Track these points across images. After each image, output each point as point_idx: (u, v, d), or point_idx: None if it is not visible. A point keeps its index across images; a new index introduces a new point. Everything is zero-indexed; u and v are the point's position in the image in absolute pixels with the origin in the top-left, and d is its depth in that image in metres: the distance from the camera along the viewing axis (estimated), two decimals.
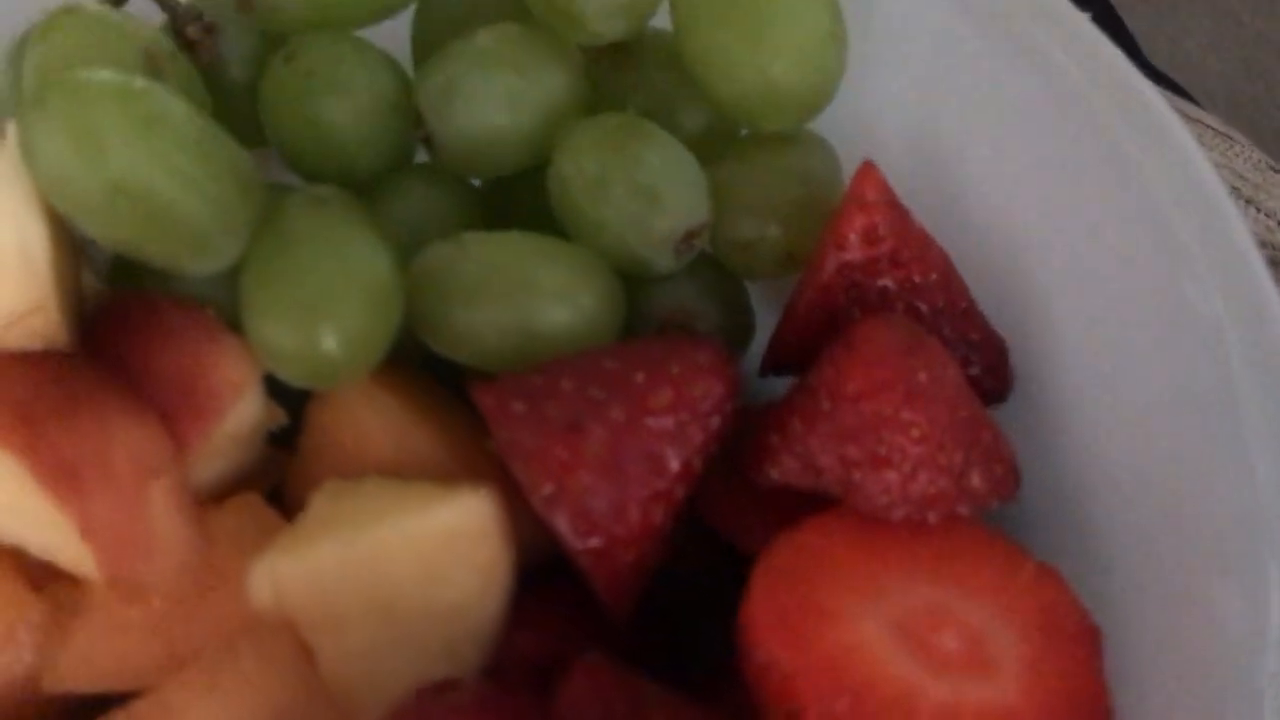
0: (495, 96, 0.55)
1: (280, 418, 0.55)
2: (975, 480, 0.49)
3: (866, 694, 0.43)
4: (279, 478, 0.57)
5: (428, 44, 0.60)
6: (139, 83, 0.49)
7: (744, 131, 0.60)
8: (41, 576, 0.53)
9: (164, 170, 0.48)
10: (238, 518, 0.53)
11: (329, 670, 0.49)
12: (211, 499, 0.54)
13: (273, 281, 0.51)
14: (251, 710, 0.49)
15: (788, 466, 0.49)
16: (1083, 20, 0.54)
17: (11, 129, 0.50)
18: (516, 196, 0.60)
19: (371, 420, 0.54)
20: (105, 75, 0.48)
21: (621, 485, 0.47)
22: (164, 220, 0.49)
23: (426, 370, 0.58)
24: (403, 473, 0.53)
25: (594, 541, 0.47)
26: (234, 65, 0.59)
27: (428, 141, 0.56)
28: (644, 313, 0.56)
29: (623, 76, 0.59)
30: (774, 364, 0.56)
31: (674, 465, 0.48)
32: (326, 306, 0.50)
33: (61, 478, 0.47)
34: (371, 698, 0.49)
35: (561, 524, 0.46)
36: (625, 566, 0.48)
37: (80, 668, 0.50)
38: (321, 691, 0.49)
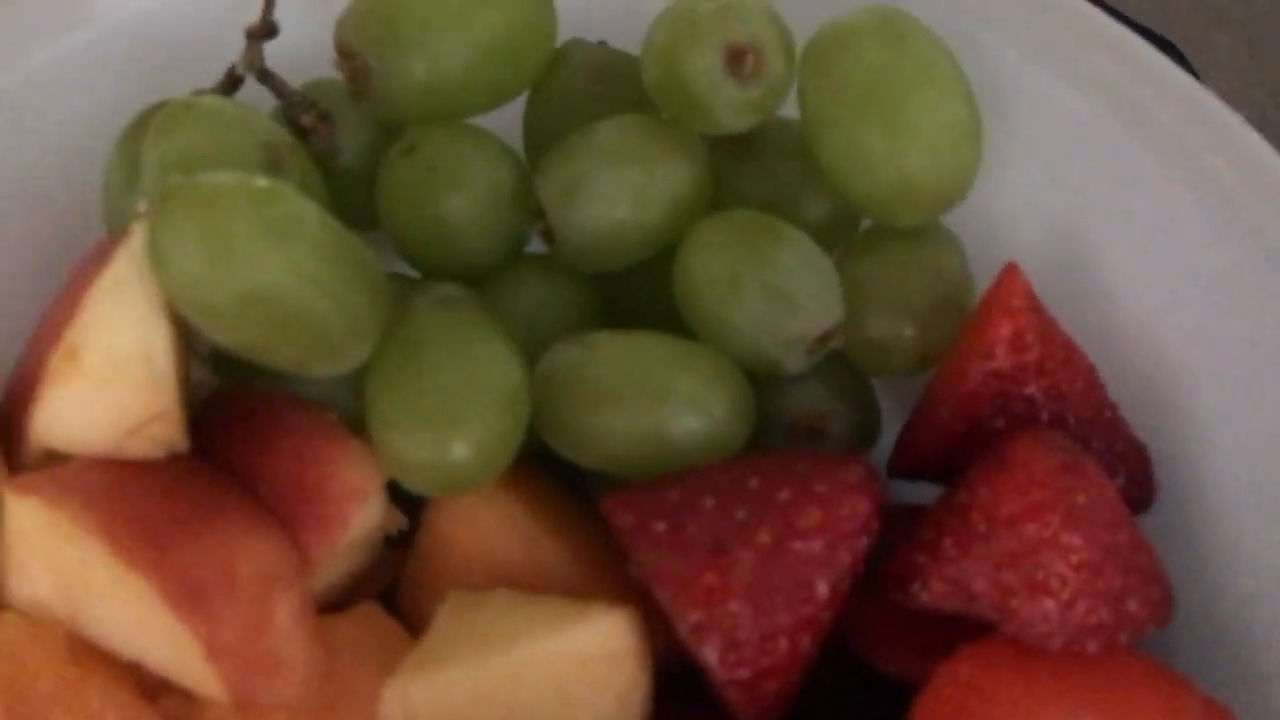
0: (620, 191, 0.53)
1: (400, 522, 0.53)
2: (1133, 606, 0.46)
3: None
4: (391, 580, 0.55)
5: (542, 130, 0.59)
6: (269, 185, 0.48)
7: (865, 221, 0.58)
8: (155, 688, 0.51)
9: (296, 277, 0.47)
10: (359, 629, 0.51)
11: None
12: (327, 607, 0.52)
13: (401, 389, 0.49)
14: None
15: (938, 590, 0.47)
16: (1234, 117, 0.52)
17: (135, 231, 0.49)
18: (634, 289, 0.58)
19: (497, 527, 0.52)
20: (235, 179, 0.47)
21: (770, 613, 0.45)
22: (295, 326, 0.47)
23: (542, 464, 0.56)
24: (529, 583, 0.51)
25: (742, 673, 0.45)
26: (347, 153, 0.57)
27: (547, 235, 0.55)
28: (771, 413, 0.54)
29: (744, 167, 0.57)
30: (905, 469, 0.54)
31: (823, 591, 0.46)
32: (456, 415, 0.49)
33: (187, 597, 0.46)
34: None
35: (710, 656, 0.45)
36: (771, 696, 0.46)
37: None
38: None
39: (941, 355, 0.54)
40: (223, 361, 0.55)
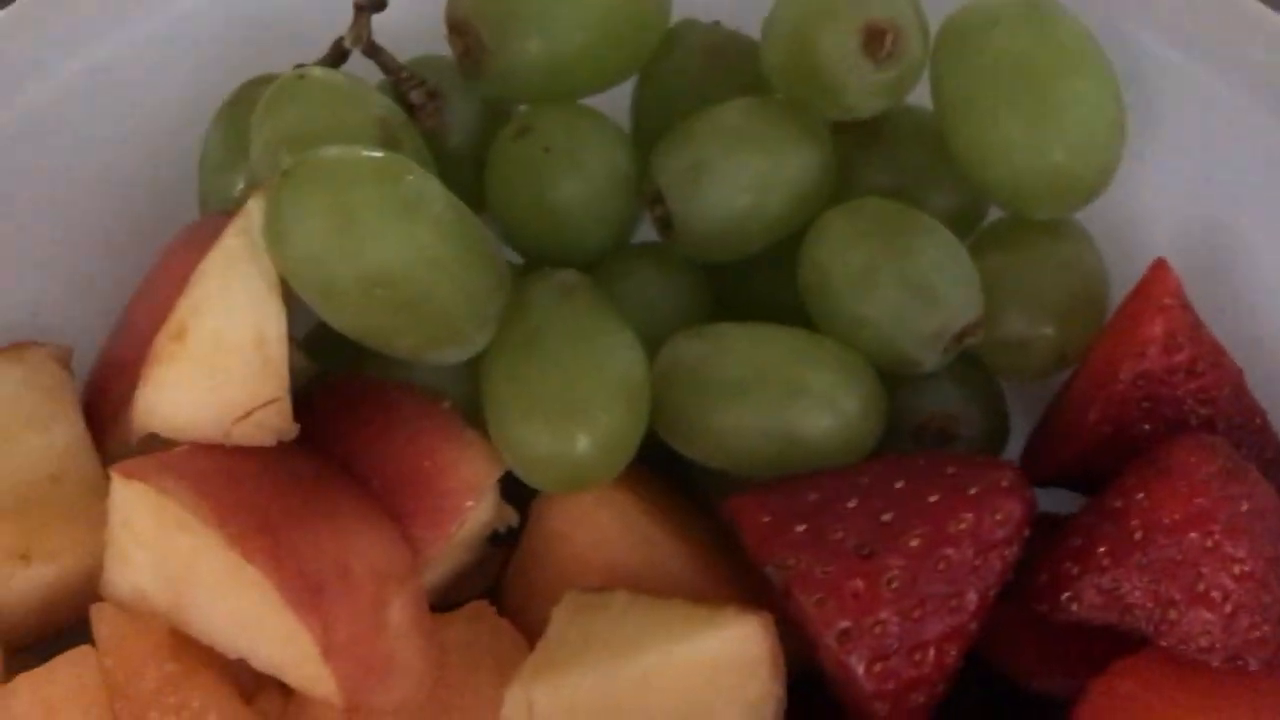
0: (744, 177, 0.51)
1: (512, 518, 0.51)
2: None
3: None
4: (494, 578, 0.53)
5: (652, 113, 0.57)
6: (395, 160, 0.45)
7: (990, 216, 0.56)
8: (252, 688, 0.49)
9: (423, 259, 0.44)
10: (470, 629, 0.49)
11: None
12: (433, 606, 0.50)
13: (523, 379, 0.47)
14: None
15: (1089, 601, 0.44)
16: None
17: (252, 209, 0.46)
18: (748, 281, 0.56)
19: (614, 528, 0.49)
20: (360, 154, 0.45)
21: (920, 622, 0.43)
22: (418, 311, 0.45)
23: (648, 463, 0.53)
24: (647, 585, 0.49)
25: (889, 685, 0.43)
26: (454, 133, 0.55)
27: (664, 222, 0.52)
28: (900, 414, 0.51)
29: (869, 154, 0.55)
30: (1040, 475, 0.52)
31: (973, 600, 0.44)
32: (581, 408, 0.46)
33: (304, 592, 0.43)
34: None
35: (858, 665, 0.42)
36: (915, 710, 0.43)
37: None
38: None
39: (1078, 356, 0.52)
40: (320, 347, 0.52)
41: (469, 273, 0.46)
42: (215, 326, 0.46)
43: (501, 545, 0.53)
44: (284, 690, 0.49)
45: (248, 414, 0.46)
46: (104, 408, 0.53)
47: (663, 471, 0.53)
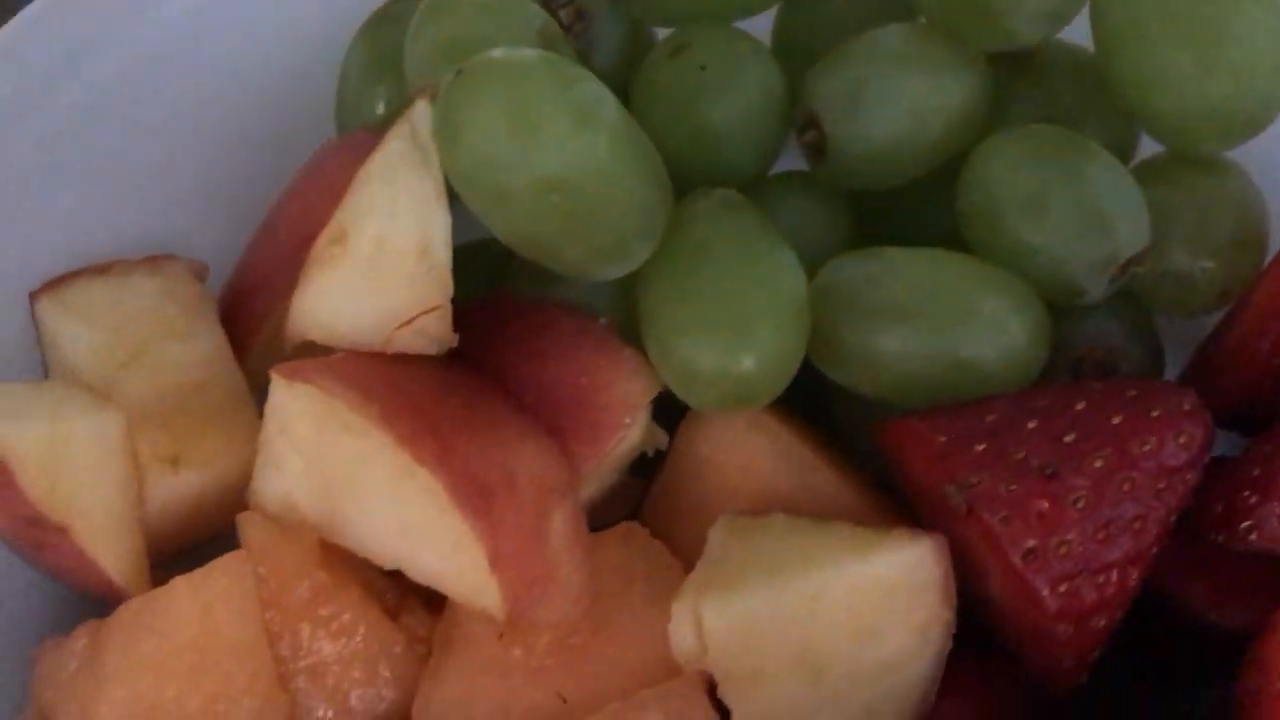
0: (903, 102, 0.50)
1: (662, 441, 0.50)
2: None
3: None
4: (633, 507, 0.52)
5: (795, 38, 0.56)
6: (572, 65, 0.44)
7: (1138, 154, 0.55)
8: (395, 607, 0.48)
9: (598, 165, 0.43)
10: (623, 550, 0.48)
11: None
12: None
13: (688, 294, 0.46)
14: None
15: (1270, 530, 0.43)
16: None
17: (416, 114, 0.45)
18: (891, 212, 0.55)
19: (767, 453, 0.48)
20: (539, 56, 0.44)
21: (1104, 544, 0.42)
22: (588, 220, 0.44)
23: None
24: (801, 511, 0.48)
25: (1073, 605, 0.42)
26: (600, 53, 0.54)
27: (816, 147, 0.51)
28: (1058, 346, 0.50)
29: (1023, 85, 0.54)
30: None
31: (1155, 523, 0.42)
32: (747, 324, 0.45)
33: (474, 497, 0.42)
34: None
35: (1043, 585, 0.41)
36: (1096, 634, 0.42)
37: (457, 713, 0.45)
38: None
39: (1239, 293, 0.51)
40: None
41: (639, 182, 0.45)
42: (378, 231, 0.45)
43: (639, 476, 0.52)
44: (427, 609, 0.48)
45: (410, 320, 0.45)
46: (243, 322, 0.52)
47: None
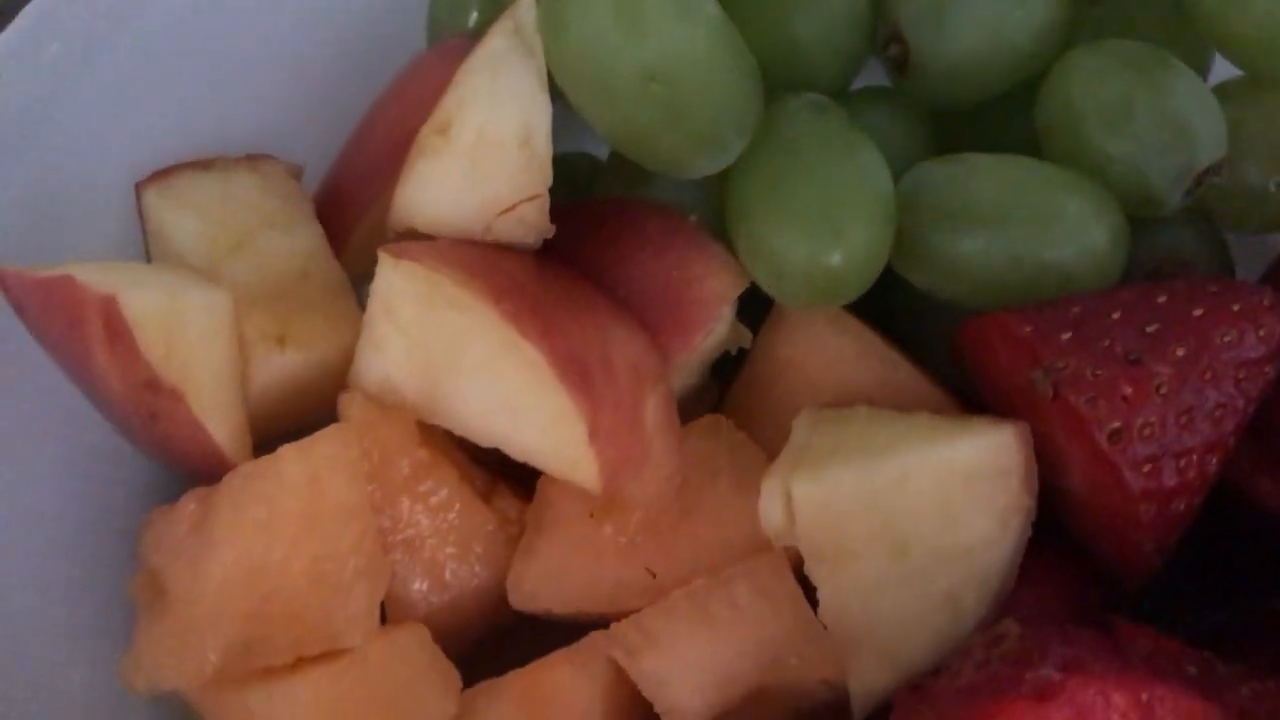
0: (988, 16, 0.51)
1: (746, 339, 0.51)
2: None
3: None
4: (713, 408, 0.53)
5: None
6: None
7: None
8: (486, 487, 0.50)
9: (699, 56, 0.45)
10: (709, 440, 0.49)
11: (828, 604, 0.45)
12: None
13: (780, 189, 0.47)
14: (741, 641, 0.45)
15: None
16: None
17: (520, 8, 0.47)
18: (970, 128, 0.56)
19: (846, 347, 0.50)
20: None
21: (1186, 429, 0.43)
22: (687, 111, 0.46)
23: None
24: (883, 405, 0.49)
25: (1155, 486, 0.43)
26: None
27: (898, 62, 0.52)
28: (1133, 258, 0.51)
29: (1099, 7, 0.55)
30: None
31: (1234, 412, 0.44)
32: (838, 219, 0.47)
33: (575, 372, 0.44)
34: (866, 637, 0.45)
35: (1127, 465, 0.42)
36: (1177, 517, 0.44)
37: (549, 587, 0.47)
38: (813, 628, 0.45)
39: None
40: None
41: (736, 75, 0.46)
42: (481, 121, 0.47)
43: (719, 379, 0.54)
44: (517, 493, 0.50)
45: (511, 208, 0.46)
46: (338, 220, 0.53)
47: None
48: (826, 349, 0.50)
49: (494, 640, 0.50)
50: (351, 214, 0.53)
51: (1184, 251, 0.52)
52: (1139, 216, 0.51)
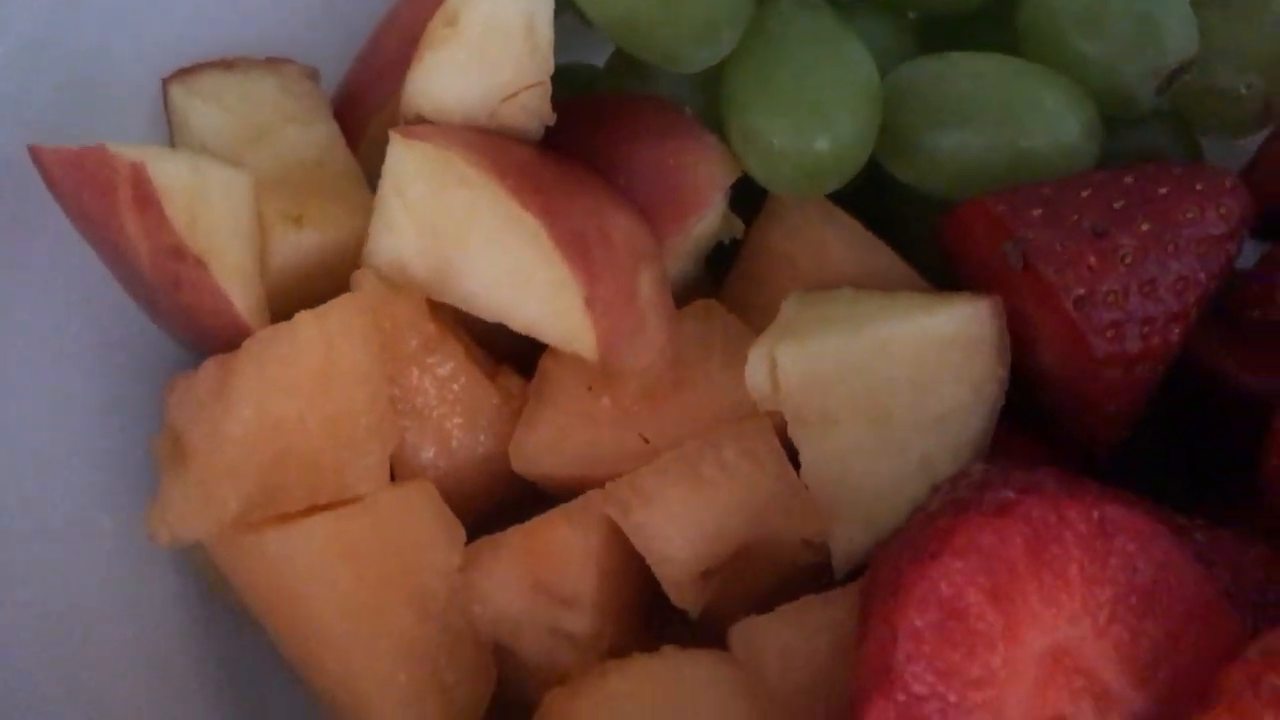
0: None
1: (738, 229, 0.54)
2: None
3: None
4: (707, 297, 0.56)
5: None
6: None
7: None
8: (491, 367, 0.52)
9: None
10: (703, 322, 0.52)
11: (810, 467, 0.48)
12: None
13: (769, 78, 0.50)
14: (728, 499, 0.48)
15: None
16: None
17: None
18: (953, 34, 0.58)
19: (833, 236, 0.52)
20: None
21: (1149, 298, 0.46)
22: (682, 2, 0.48)
23: None
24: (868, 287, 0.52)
25: (1119, 350, 0.45)
26: None
27: None
28: (1109, 158, 0.54)
29: None
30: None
31: (1196, 285, 0.46)
32: (823, 106, 0.49)
33: (573, 244, 0.47)
34: (846, 500, 0.48)
35: (1090, 329, 0.45)
36: (1141, 383, 0.46)
37: (550, 452, 0.50)
38: (796, 489, 0.48)
39: None
40: None
41: None
42: (488, 11, 0.49)
43: (713, 272, 0.56)
44: (520, 373, 0.52)
45: (514, 94, 0.49)
46: (354, 118, 0.56)
47: None
48: (815, 239, 0.53)
49: (497, 514, 0.53)
50: (366, 111, 0.55)
51: (1158, 151, 0.54)
52: (1116, 116, 0.53)
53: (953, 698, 0.37)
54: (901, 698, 0.37)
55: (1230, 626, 0.39)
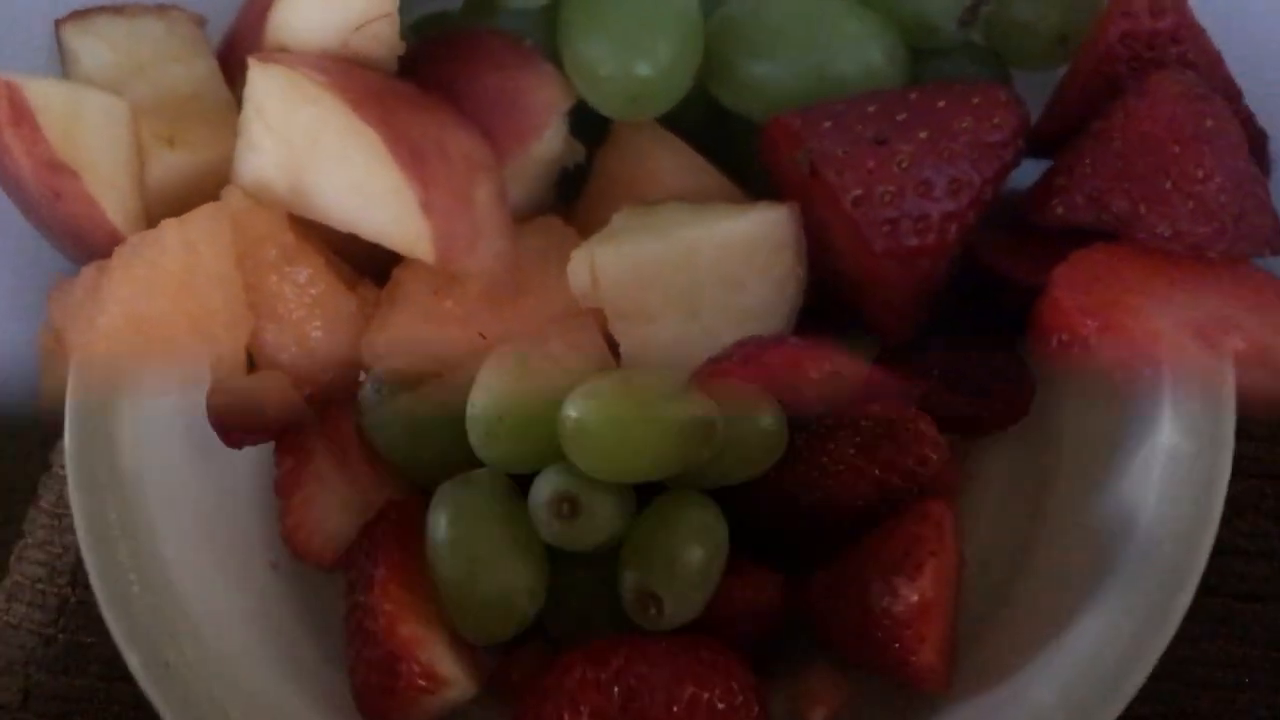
0: None
1: (580, 154, 0.59)
2: (1249, 226, 0.51)
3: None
4: None
5: None
6: None
7: None
8: (352, 280, 0.57)
9: None
10: (543, 236, 0.57)
11: (629, 359, 0.53)
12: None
13: (596, 11, 0.55)
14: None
15: (1074, 203, 0.52)
16: None
17: None
18: None
19: (665, 158, 0.57)
20: None
21: (924, 198, 0.51)
22: None
23: None
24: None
25: (897, 245, 0.50)
26: None
27: None
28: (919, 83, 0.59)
29: None
30: (1038, 140, 0.59)
31: (971, 187, 0.51)
32: (644, 37, 0.54)
33: (409, 154, 0.52)
34: None
35: (867, 224, 0.50)
36: (920, 276, 0.51)
37: (398, 348, 0.55)
38: None
39: (1079, 41, 0.59)
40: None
41: None
42: None
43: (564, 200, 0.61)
44: (378, 285, 0.57)
45: (364, 24, 0.54)
46: (236, 57, 0.61)
47: None
48: (649, 161, 0.58)
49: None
50: (245, 52, 0.60)
51: (966, 78, 0.59)
52: (927, 48, 0.58)
53: None
54: None
55: None
